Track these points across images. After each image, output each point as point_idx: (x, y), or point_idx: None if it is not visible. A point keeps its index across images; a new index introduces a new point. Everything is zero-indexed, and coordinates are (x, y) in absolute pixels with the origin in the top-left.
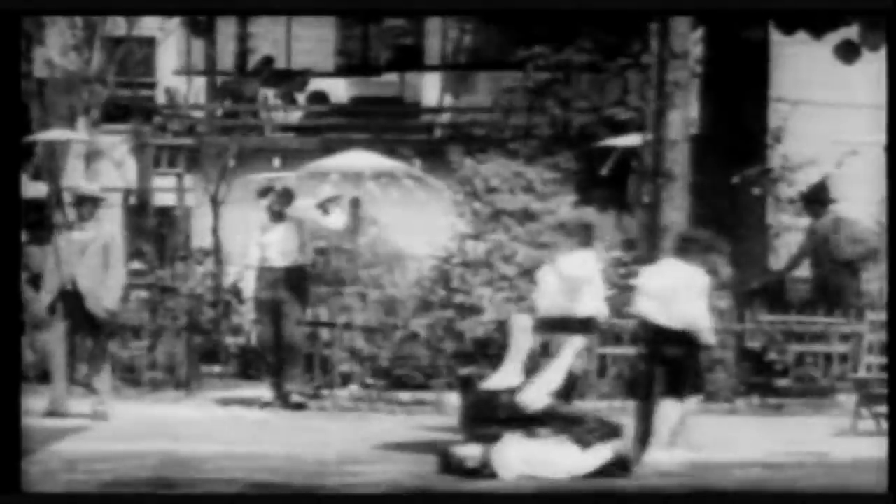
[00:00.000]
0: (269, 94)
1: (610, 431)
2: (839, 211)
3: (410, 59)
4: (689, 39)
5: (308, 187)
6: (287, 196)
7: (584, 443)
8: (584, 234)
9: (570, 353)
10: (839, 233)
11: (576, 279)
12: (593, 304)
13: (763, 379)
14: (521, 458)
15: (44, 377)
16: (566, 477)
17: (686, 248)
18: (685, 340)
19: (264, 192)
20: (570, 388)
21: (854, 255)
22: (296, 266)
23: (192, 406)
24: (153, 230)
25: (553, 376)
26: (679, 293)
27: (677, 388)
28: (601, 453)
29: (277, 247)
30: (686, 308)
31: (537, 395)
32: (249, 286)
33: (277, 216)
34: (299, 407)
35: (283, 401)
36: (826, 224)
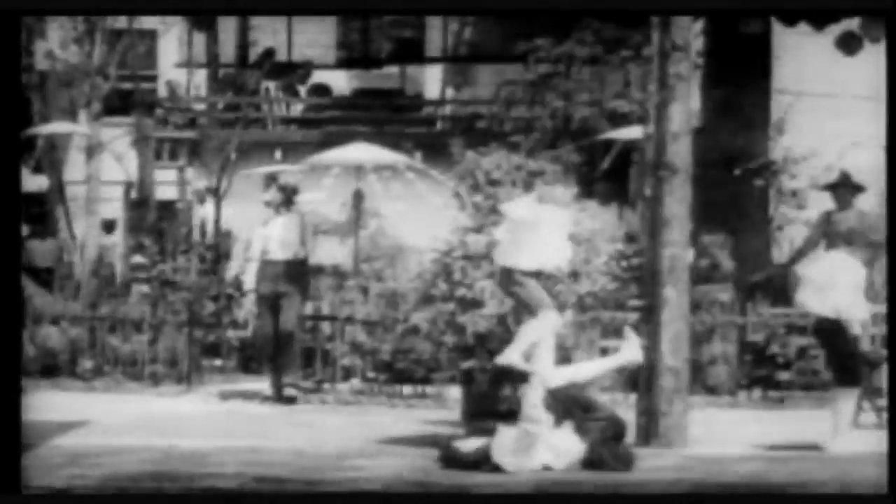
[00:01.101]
0: (271, 86)
1: (616, 430)
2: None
3: (411, 52)
4: (691, 32)
5: (309, 180)
6: (289, 190)
7: (586, 432)
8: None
9: (619, 359)
10: (864, 225)
11: (517, 222)
12: (539, 256)
13: (765, 372)
14: (522, 451)
15: (46, 371)
16: (564, 465)
17: None
18: (835, 330)
19: (268, 183)
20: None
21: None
22: (296, 259)
23: (193, 400)
24: (154, 224)
25: (590, 368)
26: (836, 283)
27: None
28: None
29: (278, 239)
30: (841, 298)
31: (560, 376)
32: (251, 279)
33: (279, 209)
34: (290, 401)
35: (278, 394)
36: (849, 216)
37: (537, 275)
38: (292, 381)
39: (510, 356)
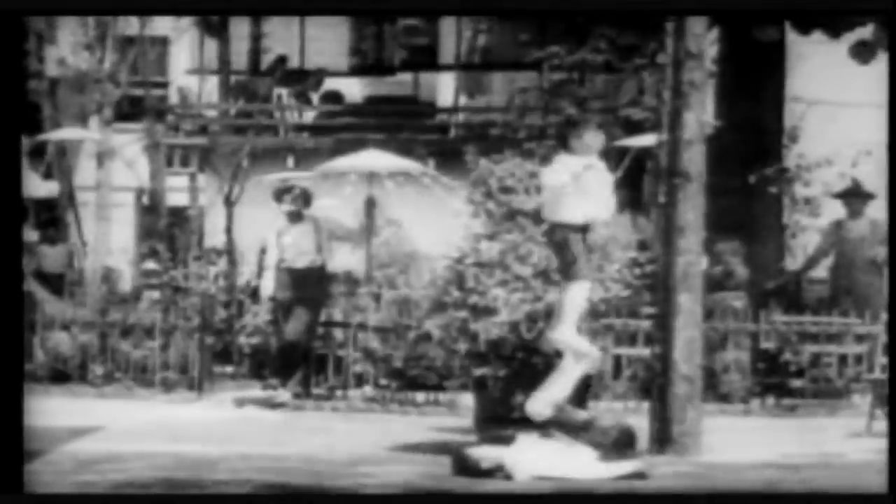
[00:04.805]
0: (283, 93)
1: (625, 438)
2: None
3: (425, 59)
4: (705, 39)
5: (322, 187)
6: (304, 197)
7: (598, 446)
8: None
9: (580, 364)
10: (875, 234)
11: (553, 187)
12: (585, 210)
13: (778, 380)
14: (535, 459)
15: (56, 377)
16: (581, 479)
17: None
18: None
19: (280, 193)
20: (585, 389)
21: (882, 257)
22: (314, 266)
23: (204, 406)
24: (166, 230)
25: (560, 387)
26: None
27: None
28: (619, 466)
29: (295, 248)
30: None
31: (542, 404)
32: (268, 287)
33: (294, 217)
34: (279, 406)
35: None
36: (861, 225)
37: (584, 229)
38: (292, 388)
39: (564, 334)
